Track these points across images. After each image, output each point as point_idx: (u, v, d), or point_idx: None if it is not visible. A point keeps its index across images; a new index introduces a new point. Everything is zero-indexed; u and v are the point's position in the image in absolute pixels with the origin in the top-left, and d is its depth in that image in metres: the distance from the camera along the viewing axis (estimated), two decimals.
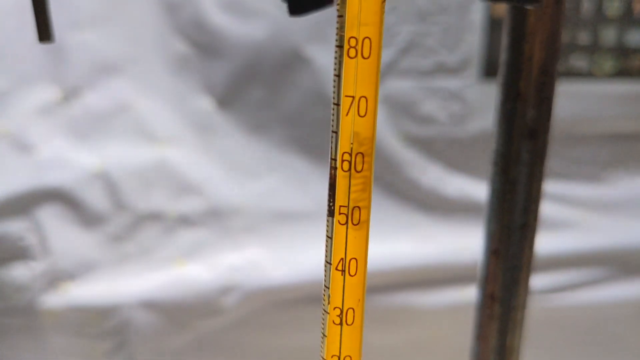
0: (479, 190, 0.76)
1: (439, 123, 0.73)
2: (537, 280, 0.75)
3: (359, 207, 0.17)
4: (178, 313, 0.75)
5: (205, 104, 0.74)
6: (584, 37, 0.71)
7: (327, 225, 0.17)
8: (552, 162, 0.74)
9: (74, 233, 0.74)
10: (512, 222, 0.27)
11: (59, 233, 0.73)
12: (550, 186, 0.74)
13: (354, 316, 0.17)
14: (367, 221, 0.17)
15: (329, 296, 0.17)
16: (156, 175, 0.74)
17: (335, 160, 0.17)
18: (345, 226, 0.17)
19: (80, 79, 0.72)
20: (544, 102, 0.25)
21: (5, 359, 0.81)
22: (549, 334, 0.80)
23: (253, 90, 0.74)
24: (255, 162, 0.75)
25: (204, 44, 0.73)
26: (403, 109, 0.73)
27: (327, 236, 0.18)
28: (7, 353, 0.80)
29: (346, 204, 0.17)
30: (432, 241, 0.76)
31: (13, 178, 0.72)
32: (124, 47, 0.73)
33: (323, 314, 0.18)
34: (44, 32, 0.27)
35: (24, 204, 0.72)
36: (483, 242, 0.28)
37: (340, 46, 0.16)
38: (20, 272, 0.74)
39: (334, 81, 0.16)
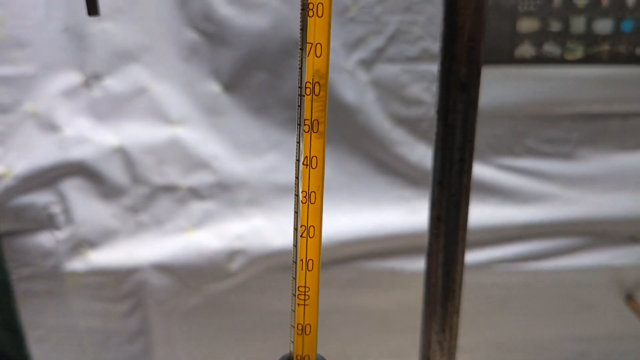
0: None
1: (424, 104, 0.80)
2: (516, 249, 0.82)
3: (318, 121, 0.24)
4: (189, 277, 0.81)
5: (213, 87, 0.80)
6: (556, 25, 0.77)
7: (297, 134, 0.25)
8: (528, 141, 0.82)
9: (94, 204, 0.80)
10: (452, 158, 0.34)
11: (81, 204, 0.80)
12: (527, 163, 0.82)
13: (316, 197, 0.24)
14: (324, 132, 0.24)
15: (299, 183, 0.24)
16: (169, 152, 0.80)
17: (301, 88, 0.24)
18: (309, 134, 0.24)
19: (101, 65, 0.78)
20: (472, 63, 0.32)
21: (31, 321, 0.88)
22: (526, 299, 0.87)
23: (256, 75, 0.80)
24: (259, 140, 0.82)
25: (212, 33, 0.78)
26: (392, 91, 0.79)
27: (297, 142, 0.25)
28: (33, 316, 0.87)
29: (309, 118, 0.24)
30: (419, 212, 0.82)
31: (40, 154, 0.78)
32: (140, 37, 0.78)
33: (295, 198, 0.25)
34: (92, 7, 0.34)
35: (50, 177, 0.79)
36: (432, 175, 0.36)
37: (303, 9, 0.23)
38: (45, 239, 0.81)
39: (300, 33, 0.24)
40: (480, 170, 0.81)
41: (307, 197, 0.24)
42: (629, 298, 0.86)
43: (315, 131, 0.24)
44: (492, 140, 0.81)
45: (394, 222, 0.82)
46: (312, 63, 0.23)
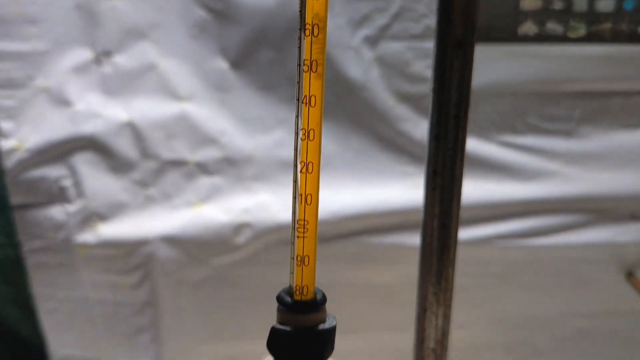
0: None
1: (428, 81, 0.81)
2: (517, 225, 0.84)
3: (317, 61, 0.25)
4: (196, 249, 0.83)
5: (221, 64, 0.82)
6: (558, 4, 0.79)
7: (297, 74, 0.26)
8: (530, 118, 0.83)
9: (105, 178, 0.82)
10: (448, 114, 0.35)
11: (92, 177, 0.82)
12: (529, 140, 0.83)
13: (314, 134, 0.26)
14: (323, 73, 0.26)
15: (300, 122, 0.26)
16: (177, 127, 0.82)
17: (301, 30, 0.25)
18: (308, 73, 0.25)
19: (111, 41, 0.80)
20: (468, 21, 0.33)
21: (42, 293, 0.90)
22: (527, 275, 0.88)
23: (263, 53, 0.81)
24: (265, 117, 0.83)
25: (220, 11, 0.80)
26: (396, 68, 0.81)
27: (296, 82, 0.26)
28: (45, 288, 0.89)
29: (309, 58, 0.25)
30: (420, 187, 0.83)
31: (52, 128, 0.80)
32: (150, 14, 0.80)
33: (295, 136, 0.27)
34: None
35: (61, 151, 0.81)
36: (428, 130, 0.37)
37: None
38: (57, 212, 0.83)
39: None
40: (483, 147, 0.83)
41: (306, 134, 0.26)
42: (630, 275, 0.87)
43: (314, 71, 0.25)
44: (494, 117, 0.82)
45: (397, 198, 0.83)
46: (311, 6, 0.25)
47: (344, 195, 0.83)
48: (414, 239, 0.82)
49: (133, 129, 0.81)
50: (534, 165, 0.83)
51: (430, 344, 0.39)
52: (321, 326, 0.27)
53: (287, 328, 0.27)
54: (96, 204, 0.82)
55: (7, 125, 0.79)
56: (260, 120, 0.83)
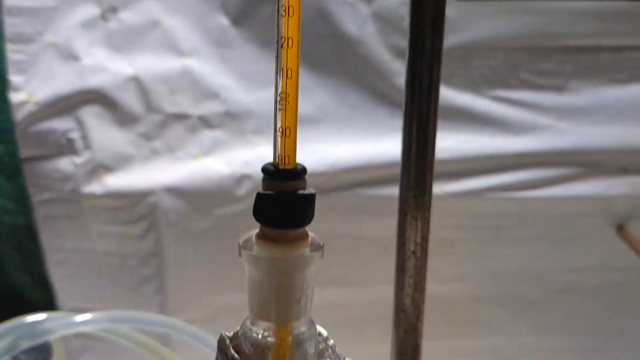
0: (457, 97, 0.86)
1: None
2: (510, 178, 0.86)
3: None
4: (199, 200, 0.86)
5: (222, 20, 0.85)
6: None
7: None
8: (522, 73, 0.85)
9: (111, 130, 0.85)
10: (424, 21, 0.38)
11: (98, 130, 0.85)
12: (521, 95, 0.85)
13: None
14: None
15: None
16: (180, 82, 0.85)
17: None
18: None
19: None
20: None
21: (51, 245, 0.93)
22: (520, 228, 0.91)
23: (263, 9, 0.84)
24: (265, 72, 0.86)
25: None
26: (392, 24, 0.83)
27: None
28: (53, 240, 0.93)
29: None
30: None
31: (60, 82, 0.83)
32: None
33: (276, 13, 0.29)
34: None
35: (69, 104, 0.84)
36: (408, 40, 0.40)
37: None
38: (65, 164, 0.86)
39: None
40: (475, 102, 0.85)
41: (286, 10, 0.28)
42: (620, 228, 0.90)
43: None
44: (487, 72, 0.84)
45: (393, 151, 0.85)
46: None
47: (340, 148, 0.86)
48: None
49: (138, 83, 0.84)
50: (526, 120, 0.86)
51: (411, 246, 0.42)
52: (301, 192, 0.30)
53: (271, 192, 0.30)
54: (102, 155, 0.85)
55: (17, 79, 0.83)
56: (260, 75, 0.86)
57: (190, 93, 0.85)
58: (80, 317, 0.59)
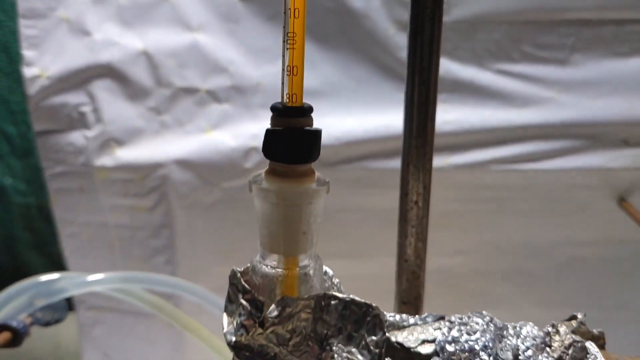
0: (461, 70, 0.88)
1: None
2: (513, 150, 0.87)
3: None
4: (208, 173, 0.88)
5: None
6: None
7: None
8: (524, 46, 0.86)
9: (121, 104, 0.87)
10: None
11: (109, 104, 0.87)
12: (524, 68, 0.86)
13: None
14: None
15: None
16: (189, 56, 0.87)
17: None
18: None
19: None
20: None
21: (64, 218, 0.95)
22: (523, 200, 0.92)
23: None
24: (272, 47, 0.88)
25: None
26: None
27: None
28: (66, 213, 0.95)
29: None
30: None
31: (72, 57, 0.85)
32: None
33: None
34: None
35: (81, 78, 0.86)
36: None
37: None
38: (77, 137, 0.88)
39: None
40: (479, 75, 0.87)
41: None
42: (622, 200, 0.91)
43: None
44: (490, 45, 0.86)
45: (398, 124, 0.87)
46: None
47: (346, 121, 0.87)
48: None
49: (148, 58, 0.86)
50: (529, 93, 0.87)
51: (413, 196, 0.44)
52: (307, 128, 0.32)
53: (279, 129, 0.32)
54: (113, 129, 0.87)
55: (30, 53, 0.85)
56: (267, 50, 0.87)
57: (199, 67, 0.87)
58: (92, 277, 0.61)
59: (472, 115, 0.87)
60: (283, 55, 0.32)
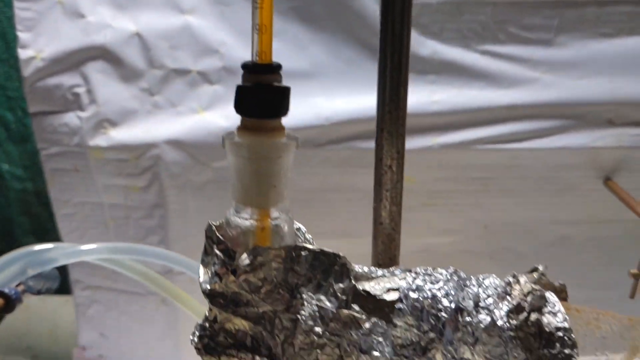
0: (448, 52, 0.89)
1: None
2: (499, 129, 0.89)
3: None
4: (199, 153, 0.90)
5: None
6: None
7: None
8: (510, 28, 0.88)
9: (115, 85, 0.89)
10: None
11: (103, 85, 0.89)
12: (509, 49, 0.88)
13: None
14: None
15: None
16: (181, 38, 0.88)
17: None
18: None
19: None
20: None
21: (59, 199, 0.97)
22: (509, 180, 0.93)
23: None
24: None
25: None
26: None
27: None
28: (61, 194, 0.96)
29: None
30: (409, 95, 0.89)
31: (66, 39, 0.87)
32: None
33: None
34: None
35: (75, 60, 0.88)
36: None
37: None
38: (71, 118, 0.90)
39: None
40: (465, 56, 0.88)
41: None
42: (607, 179, 0.92)
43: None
44: (476, 26, 0.87)
45: None
46: None
47: (335, 102, 0.89)
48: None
49: (140, 40, 0.88)
50: (515, 73, 0.88)
51: (387, 161, 0.45)
52: (276, 84, 0.34)
53: (249, 85, 0.33)
54: (107, 110, 0.89)
55: (25, 36, 0.86)
56: None
57: (191, 49, 0.88)
58: (85, 247, 0.63)
59: (458, 96, 0.89)
60: (253, 15, 0.34)
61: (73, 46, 0.87)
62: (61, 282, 1.26)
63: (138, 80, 0.89)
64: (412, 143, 0.88)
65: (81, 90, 0.88)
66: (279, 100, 0.34)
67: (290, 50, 0.89)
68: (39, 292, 0.60)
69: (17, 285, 0.58)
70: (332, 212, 0.95)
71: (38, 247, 0.62)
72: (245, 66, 0.34)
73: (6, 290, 0.55)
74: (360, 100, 0.89)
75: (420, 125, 0.89)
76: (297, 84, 0.89)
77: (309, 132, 0.88)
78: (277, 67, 0.34)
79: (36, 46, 0.87)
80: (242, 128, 0.35)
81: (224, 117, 0.89)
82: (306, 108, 0.88)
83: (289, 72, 0.89)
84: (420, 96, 0.89)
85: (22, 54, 0.87)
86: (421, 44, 0.88)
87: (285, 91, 0.34)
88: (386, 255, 0.47)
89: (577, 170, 0.92)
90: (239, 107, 0.34)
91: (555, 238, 0.99)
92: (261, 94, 0.34)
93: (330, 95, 0.89)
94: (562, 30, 0.88)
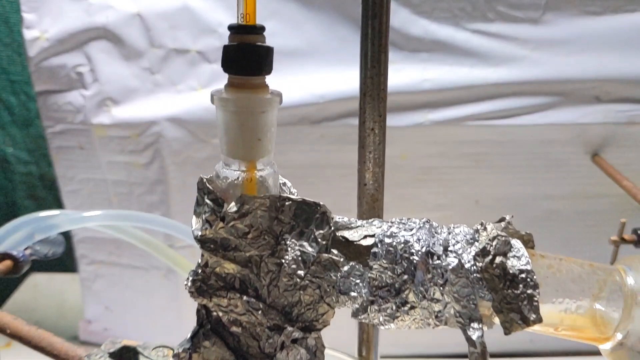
0: (439, 31, 0.92)
1: None
2: (489, 106, 0.92)
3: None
4: (199, 130, 0.93)
5: None
6: None
7: None
8: (499, 6, 0.90)
9: (117, 65, 0.92)
10: None
11: (105, 65, 0.92)
12: (499, 27, 0.90)
13: None
14: None
15: None
16: (180, 18, 0.91)
17: None
18: None
19: None
20: None
21: (64, 175, 1.01)
22: (500, 156, 0.96)
23: None
24: (259, 9, 0.92)
25: None
26: None
27: None
28: (66, 170, 1.00)
29: None
30: (402, 73, 0.92)
31: (69, 19, 0.90)
32: None
33: None
34: None
35: (78, 40, 0.91)
36: None
37: None
38: (75, 97, 0.93)
39: None
40: (456, 35, 0.91)
41: None
42: (595, 155, 0.95)
43: None
44: (466, 5, 0.90)
45: None
46: None
47: (330, 80, 0.92)
48: (397, 120, 0.91)
49: (141, 20, 0.91)
50: (504, 51, 0.91)
51: (370, 124, 0.48)
52: (259, 43, 0.37)
53: (235, 44, 0.36)
54: (110, 88, 0.92)
55: (30, 17, 0.90)
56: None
57: (190, 29, 0.91)
58: (88, 213, 0.66)
59: (449, 74, 0.91)
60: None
61: (76, 27, 0.90)
62: (67, 260, 1.30)
63: (139, 59, 0.92)
64: (404, 120, 0.92)
65: (84, 69, 0.91)
66: (262, 59, 0.37)
67: (286, 30, 0.92)
68: (45, 257, 0.64)
69: (25, 250, 0.61)
70: (328, 187, 0.98)
71: (43, 213, 0.65)
72: (232, 27, 0.37)
73: (14, 253, 0.59)
74: (354, 77, 0.91)
75: (413, 103, 0.92)
76: (293, 62, 0.92)
77: (305, 110, 0.91)
78: (261, 29, 0.37)
79: (41, 27, 0.90)
80: (229, 85, 0.38)
81: None
82: (301, 86, 0.91)
83: (285, 51, 0.93)
84: (413, 74, 0.91)
85: (27, 34, 0.90)
86: (413, 23, 0.91)
87: (269, 50, 0.37)
88: (370, 215, 0.50)
89: (565, 146, 0.95)
90: (225, 65, 0.37)
91: (544, 212, 1.02)
92: (246, 52, 0.37)
93: (326, 73, 0.92)
94: (550, 9, 0.90)
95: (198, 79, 0.92)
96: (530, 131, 0.93)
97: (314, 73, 0.92)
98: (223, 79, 0.93)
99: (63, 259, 1.30)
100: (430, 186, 0.98)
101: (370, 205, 0.51)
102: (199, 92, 0.92)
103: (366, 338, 0.55)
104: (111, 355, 0.46)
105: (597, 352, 0.46)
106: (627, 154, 0.94)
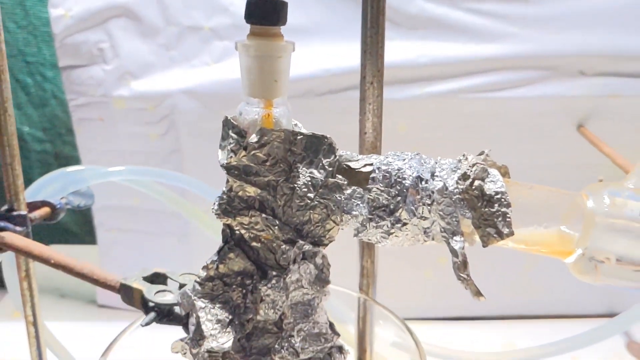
0: (435, 9, 0.99)
1: None
2: (480, 80, 0.99)
3: None
4: (212, 101, 1.00)
5: None
6: None
7: None
8: None
9: (135, 41, 0.99)
10: None
11: (125, 41, 0.99)
12: (490, 6, 0.97)
13: None
14: None
15: None
16: None
17: None
18: None
19: None
20: None
21: (85, 146, 1.08)
22: (490, 127, 1.03)
23: None
24: None
25: None
26: None
27: None
28: (87, 141, 1.07)
29: None
30: (399, 49, 0.99)
31: None
32: None
33: None
34: None
35: (100, 18, 0.98)
36: None
37: None
38: (96, 71, 1.01)
39: None
40: (451, 13, 0.98)
41: None
42: (580, 126, 1.02)
43: None
44: None
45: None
46: None
47: (333, 56, 0.99)
48: (398, 93, 0.98)
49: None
50: (495, 29, 0.98)
51: (370, 78, 0.56)
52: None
53: None
54: (128, 63, 0.99)
55: None
56: None
57: (203, 8, 0.98)
58: (113, 168, 0.73)
59: (445, 49, 0.98)
60: None
61: (98, 5, 0.97)
62: (85, 233, 1.37)
63: (156, 36, 0.99)
64: (402, 93, 0.99)
65: (105, 45, 0.98)
66: (280, 11, 0.44)
67: (291, 9, 0.98)
68: (78, 207, 0.71)
69: (61, 199, 0.68)
70: None
71: (70, 168, 0.73)
72: None
73: (52, 201, 0.66)
74: (357, 53, 0.98)
75: (410, 77, 0.99)
76: (297, 39, 0.99)
77: (308, 83, 0.99)
78: None
79: (65, 5, 0.97)
80: (251, 34, 0.45)
81: (233, 70, 0.99)
82: (305, 60, 0.98)
83: (291, 28, 1.00)
84: (410, 50, 0.98)
85: (53, 12, 0.97)
86: (410, 2, 0.97)
87: (284, 4, 0.44)
88: None
89: (552, 117, 1.02)
90: (248, 16, 0.44)
91: (533, 181, 1.08)
92: (266, 5, 0.44)
93: (329, 51, 0.99)
94: None
95: (210, 55, 0.99)
96: (519, 103, 0.99)
97: (317, 49, 0.99)
98: (233, 55, 1.00)
99: (81, 234, 1.37)
100: (427, 155, 1.04)
101: (370, 151, 0.58)
102: (211, 67, 0.99)
103: (366, 273, 0.63)
104: (144, 278, 0.53)
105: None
106: (610, 126, 1.01)
